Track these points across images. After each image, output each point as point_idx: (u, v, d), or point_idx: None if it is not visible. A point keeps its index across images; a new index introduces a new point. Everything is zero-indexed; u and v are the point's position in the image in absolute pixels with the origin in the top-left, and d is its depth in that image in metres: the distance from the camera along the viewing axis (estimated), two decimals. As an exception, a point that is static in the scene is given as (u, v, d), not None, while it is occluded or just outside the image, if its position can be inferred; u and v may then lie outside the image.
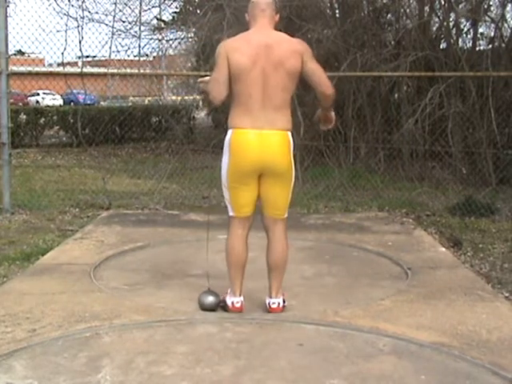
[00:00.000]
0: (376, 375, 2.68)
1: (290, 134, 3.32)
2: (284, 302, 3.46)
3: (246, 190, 3.33)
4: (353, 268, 4.42)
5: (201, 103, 13.33)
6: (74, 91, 9.91)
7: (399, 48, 8.64)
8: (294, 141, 3.36)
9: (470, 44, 8.78)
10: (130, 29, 10.17)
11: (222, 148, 3.35)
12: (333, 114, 3.44)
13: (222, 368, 2.73)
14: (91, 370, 2.69)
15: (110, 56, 8.75)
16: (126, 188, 7.64)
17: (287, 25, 8.12)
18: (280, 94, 3.24)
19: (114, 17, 9.33)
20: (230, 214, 3.41)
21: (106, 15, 9.60)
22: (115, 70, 10.87)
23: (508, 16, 8.86)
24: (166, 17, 11.58)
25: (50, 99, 23.13)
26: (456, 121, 7.89)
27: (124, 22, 10.01)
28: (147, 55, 12.68)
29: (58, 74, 7.72)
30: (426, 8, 9.11)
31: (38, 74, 7.86)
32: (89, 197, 7.12)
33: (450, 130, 7.69)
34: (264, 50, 3.22)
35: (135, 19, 10.20)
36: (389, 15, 9.83)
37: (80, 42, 7.31)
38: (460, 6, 8.68)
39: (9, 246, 5.06)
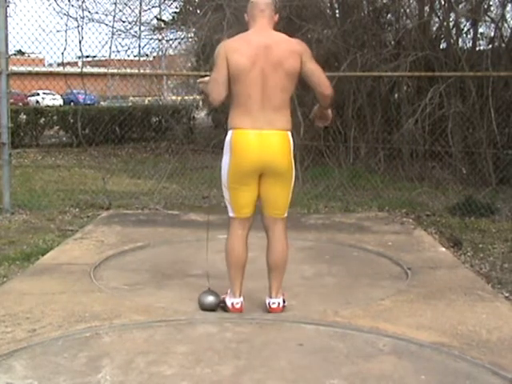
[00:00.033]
0: (376, 375, 2.68)
1: (289, 134, 3.32)
2: (284, 301, 3.46)
3: (246, 191, 3.33)
4: (353, 268, 4.42)
5: (201, 103, 13.33)
6: (74, 91, 9.91)
7: (399, 48, 8.64)
8: (294, 141, 3.36)
9: (470, 44, 8.78)
10: (130, 29, 10.19)
11: (222, 148, 3.35)
12: (330, 111, 3.45)
13: (222, 368, 2.73)
14: (91, 369, 2.69)
15: (109, 56, 8.75)
16: (126, 188, 7.64)
17: (287, 25, 8.13)
18: (279, 94, 3.24)
19: (114, 17, 9.34)
20: (230, 214, 3.41)
21: (106, 15, 9.61)
22: (115, 70, 10.87)
23: (508, 16, 8.88)
24: (166, 17, 11.60)
25: (50, 99, 23.13)
26: (456, 121, 7.89)
27: (124, 22, 10.03)
28: (147, 55, 12.69)
29: (58, 74, 7.72)
30: (426, 8, 9.12)
31: (38, 73, 7.86)
32: (89, 197, 7.12)
33: (450, 130, 7.69)
34: (263, 51, 3.22)
35: (135, 19, 10.21)
36: (389, 15, 9.83)
37: (80, 42, 7.32)
38: (460, 6, 8.69)
39: (9, 246, 5.06)
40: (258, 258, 3.63)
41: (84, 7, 8.61)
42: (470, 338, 3.07)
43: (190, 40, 11.83)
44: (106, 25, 9.42)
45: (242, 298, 3.42)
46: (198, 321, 3.29)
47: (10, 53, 6.45)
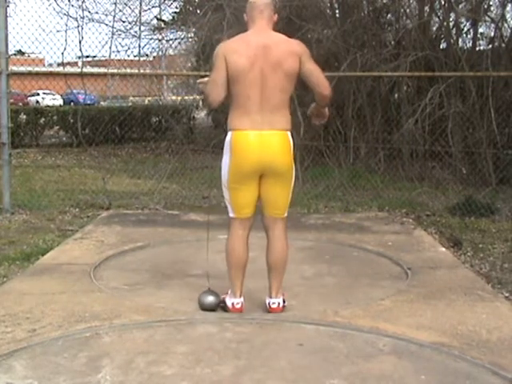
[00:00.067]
0: (376, 375, 2.68)
1: (289, 134, 3.33)
2: (284, 301, 3.46)
3: (246, 191, 3.33)
4: (353, 268, 4.42)
5: (201, 103, 13.32)
6: (74, 91, 9.91)
7: (399, 48, 8.64)
8: (293, 141, 3.37)
9: (470, 44, 8.78)
10: (130, 29, 10.18)
11: (222, 148, 3.35)
12: (326, 110, 3.46)
13: (222, 368, 2.73)
14: (91, 369, 2.69)
15: (109, 56, 8.75)
16: (126, 188, 7.64)
17: (287, 25, 8.13)
18: (278, 94, 3.25)
19: (114, 17, 9.34)
20: (231, 215, 3.41)
21: (106, 15, 9.61)
22: (115, 70, 10.87)
23: (508, 16, 8.88)
24: (166, 17, 11.60)
25: (50, 99, 23.14)
26: (456, 121, 7.89)
27: (124, 22, 10.03)
28: (147, 55, 12.69)
29: (58, 74, 7.72)
30: (426, 8, 9.11)
31: (38, 73, 7.86)
32: (89, 197, 7.12)
33: (450, 130, 7.69)
34: (262, 51, 3.22)
35: (135, 19, 10.21)
36: (389, 15, 9.83)
37: (80, 42, 7.32)
38: (460, 6, 8.69)
39: (9, 246, 5.06)
40: (258, 257, 3.63)
41: (84, 7, 8.62)
42: (470, 338, 3.07)
43: (190, 40, 11.84)
44: (106, 25, 9.43)
45: (242, 299, 3.42)
46: (198, 321, 3.29)
47: (10, 53, 6.45)
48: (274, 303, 3.42)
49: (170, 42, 11.93)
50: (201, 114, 14.60)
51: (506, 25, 8.45)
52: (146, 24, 10.83)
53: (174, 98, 14.87)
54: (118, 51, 10.16)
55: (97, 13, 9.58)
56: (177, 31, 11.60)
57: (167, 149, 10.83)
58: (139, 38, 10.36)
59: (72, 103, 17.85)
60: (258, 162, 3.24)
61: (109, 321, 3.26)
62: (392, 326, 3.20)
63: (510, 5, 8.51)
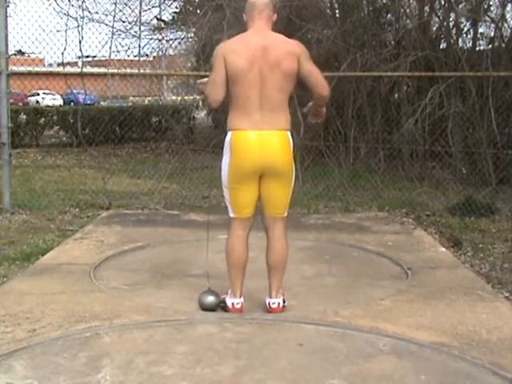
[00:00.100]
0: (376, 375, 2.68)
1: (289, 133, 3.33)
2: (284, 301, 3.46)
3: (246, 191, 3.33)
4: (353, 268, 4.42)
5: (201, 103, 13.33)
6: (74, 91, 9.91)
7: (399, 48, 8.64)
8: (293, 141, 3.37)
9: (470, 44, 8.78)
10: (130, 29, 10.18)
11: (222, 148, 3.35)
12: (324, 109, 3.47)
13: (222, 368, 2.73)
14: (91, 369, 2.69)
15: (109, 56, 8.75)
16: (126, 188, 7.64)
17: (287, 25, 8.14)
18: (277, 94, 3.25)
19: (114, 17, 9.34)
20: (231, 215, 3.41)
21: (106, 15, 9.61)
22: (115, 70, 10.87)
23: (508, 16, 8.88)
24: (166, 17, 11.60)
25: (50, 99, 23.14)
26: (456, 121, 7.89)
27: (124, 22, 10.03)
28: (147, 55, 12.69)
29: (58, 74, 7.72)
30: (426, 8, 9.11)
31: (38, 74, 7.86)
32: (89, 197, 7.12)
33: (450, 130, 7.69)
34: (261, 52, 3.23)
35: (135, 19, 10.21)
36: (389, 15, 9.83)
37: (80, 42, 7.32)
38: (460, 6, 8.69)
39: (9, 246, 5.06)
40: (258, 257, 3.63)
41: (84, 7, 8.62)
42: (470, 337, 3.07)
43: (190, 40, 11.84)
44: (106, 25, 9.43)
45: (242, 299, 3.42)
46: (198, 321, 3.30)
47: (10, 53, 6.45)
48: (274, 303, 3.42)
49: (170, 42, 11.95)
50: (201, 114, 14.60)
51: (506, 25, 8.45)
52: (146, 24, 10.85)
53: (174, 98, 14.87)
54: (118, 51, 10.19)
55: (97, 13, 9.59)
56: (177, 31, 11.61)
57: (167, 149, 10.83)
58: (139, 38, 10.37)
59: (72, 103, 17.85)
60: (258, 161, 3.25)
61: (109, 321, 3.26)
62: (392, 326, 3.20)
63: (510, 5, 8.52)
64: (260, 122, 3.23)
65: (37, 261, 4.54)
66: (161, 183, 7.66)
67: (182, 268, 4.35)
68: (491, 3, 8.69)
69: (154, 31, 11.25)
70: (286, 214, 3.44)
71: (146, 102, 14.70)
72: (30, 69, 7.88)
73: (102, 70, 10.94)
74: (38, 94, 23.59)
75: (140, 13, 10.12)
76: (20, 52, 13.26)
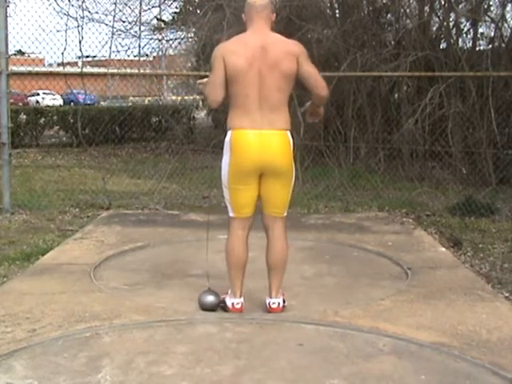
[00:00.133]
0: (376, 375, 2.68)
1: (289, 133, 3.34)
2: (284, 301, 3.46)
3: (246, 190, 3.33)
4: (353, 268, 4.42)
5: (201, 103, 13.34)
6: (74, 91, 9.91)
7: (399, 48, 8.64)
8: (293, 141, 3.37)
9: (470, 44, 8.78)
10: (130, 29, 10.19)
11: (222, 148, 3.35)
12: (322, 109, 3.48)
13: (222, 368, 2.73)
14: (91, 369, 2.69)
15: (109, 56, 8.75)
16: (126, 188, 7.64)
17: (287, 25, 8.14)
18: (276, 94, 3.26)
19: (114, 17, 9.34)
20: (230, 214, 3.41)
21: (106, 15, 9.61)
22: (115, 70, 10.87)
23: (508, 16, 8.88)
24: (166, 17, 11.60)
25: (50, 99, 23.14)
26: (456, 121, 7.89)
27: (124, 21, 10.03)
28: (147, 55, 12.69)
29: (58, 74, 7.72)
30: (426, 8, 9.11)
31: (38, 73, 7.86)
32: (89, 197, 7.12)
33: (450, 130, 7.69)
34: (260, 52, 3.24)
35: (135, 19, 10.21)
36: (389, 15, 9.83)
37: (80, 42, 7.32)
38: (460, 6, 8.68)
39: (9, 246, 5.06)
40: (258, 257, 3.63)
41: (84, 7, 8.62)
42: (470, 338, 3.07)
43: (190, 40, 11.85)
44: (106, 25, 9.43)
45: (242, 299, 3.42)
46: (198, 321, 3.30)
47: (10, 53, 6.45)
48: (274, 303, 3.42)
49: (170, 42, 11.96)
50: (201, 114, 14.61)
51: (506, 25, 8.45)
52: (146, 24, 10.85)
53: (174, 97, 14.87)
54: (118, 51, 10.19)
55: (97, 13, 9.59)
56: (177, 31, 11.61)
57: (167, 149, 10.83)
58: (139, 37, 10.38)
59: (72, 103, 17.85)
60: (257, 161, 3.25)
61: (109, 321, 3.26)
62: (392, 326, 3.20)
63: (510, 5, 8.51)
64: (260, 122, 3.24)
65: (37, 261, 4.54)
66: (161, 183, 7.66)
67: (181, 268, 4.35)
68: (491, 3, 8.70)
69: (154, 31, 11.26)
70: (285, 214, 3.44)
71: (146, 102, 14.71)
72: (30, 69, 7.88)
73: (102, 70, 10.94)
74: (38, 94, 23.59)
75: (140, 13, 10.14)
76: (20, 52, 13.26)
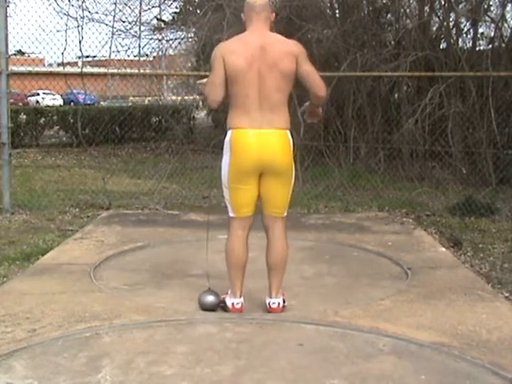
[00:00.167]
0: (376, 375, 2.68)
1: (289, 133, 3.34)
2: (284, 301, 3.46)
3: (246, 190, 3.33)
4: (353, 268, 4.42)
5: (201, 103, 13.34)
6: (74, 91, 9.91)
7: (399, 48, 8.64)
8: (293, 140, 3.38)
9: (470, 44, 8.78)
10: (130, 29, 10.19)
11: (222, 148, 3.36)
12: (320, 109, 3.49)
13: (222, 368, 2.73)
14: (91, 369, 2.69)
15: (110, 56, 8.75)
16: (126, 188, 7.64)
17: (287, 25, 8.14)
18: (275, 94, 3.26)
19: (114, 17, 9.34)
20: (230, 214, 3.41)
21: (106, 15, 9.61)
22: (115, 70, 10.87)
23: (508, 16, 8.88)
24: (166, 17, 11.61)
25: (50, 99, 23.14)
26: (456, 121, 7.89)
27: (124, 21, 10.03)
28: (147, 55, 12.69)
29: (58, 74, 7.72)
30: (426, 8, 9.11)
31: (38, 73, 7.86)
32: (89, 197, 7.12)
33: (450, 130, 7.69)
34: (259, 52, 3.24)
35: (135, 19, 10.21)
36: (389, 15, 9.83)
37: (80, 42, 7.32)
38: (460, 6, 8.68)
39: (9, 246, 5.06)
40: (258, 257, 3.63)
41: (84, 7, 8.62)
42: (470, 337, 3.07)
43: (190, 40, 11.85)
44: (106, 25, 9.43)
45: (242, 299, 3.42)
46: (198, 321, 3.30)
47: (10, 53, 6.45)
48: (274, 303, 3.42)
49: (170, 42, 11.96)
50: (201, 114, 14.61)
51: (506, 25, 8.45)
52: (146, 24, 10.85)
53: (174, 97, 14.87)
54: (118, 51, 10.19)
55: (97, 13, 9.59)
56: (177, 31, 11.61)
57: (167, 149, 10.83)
58: (139, 37, 10.38)
59: (72, 103, 17.85)
60: (257, 160, 3.25)
61: (109, 321, 3.26)
62: (392, 326, 3.20)
63: (510, 5, 8.51)
64: (259, 121, 3.24)
65: (37, 261, 4.54)
66: (161, 183, 7.66)
67: (181, 268, 4.35)
68: (491, 3, 8.70)
69: (154, 31, 11.26)
70: (285, 214, 3.44)
71: (146, 102, 14.71)
72: (30, 69, 7.88)
73: (102, 70, 10.94)
74: (38, 94, 23.59)
75: (140, 13, 10.14)
76: (20, 52, 13.25)
